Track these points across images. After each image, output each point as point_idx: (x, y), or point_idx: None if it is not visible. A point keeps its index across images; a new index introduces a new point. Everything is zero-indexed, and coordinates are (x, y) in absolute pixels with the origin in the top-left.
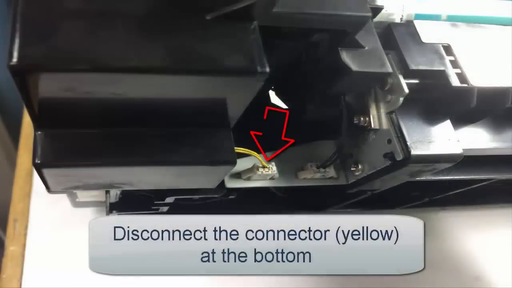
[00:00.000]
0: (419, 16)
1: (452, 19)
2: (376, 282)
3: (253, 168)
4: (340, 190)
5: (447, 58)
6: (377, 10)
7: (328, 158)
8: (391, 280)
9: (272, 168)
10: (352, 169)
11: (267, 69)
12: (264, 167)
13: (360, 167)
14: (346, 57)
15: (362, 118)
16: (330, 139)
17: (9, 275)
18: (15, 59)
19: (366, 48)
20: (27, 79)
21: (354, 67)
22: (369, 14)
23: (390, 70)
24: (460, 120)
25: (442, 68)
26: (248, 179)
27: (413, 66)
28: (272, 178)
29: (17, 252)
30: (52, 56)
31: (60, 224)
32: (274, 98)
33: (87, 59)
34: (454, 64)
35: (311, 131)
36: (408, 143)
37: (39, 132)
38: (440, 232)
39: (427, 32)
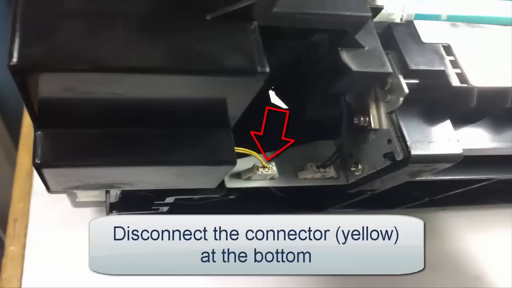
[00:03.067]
0: (419, 16)
1: (452, 19)
2: (376, 282)
3: (253, 168)
4: (340, 190)
5: (447, 58)
6: (377, 10)
7: (328, 158)
8: (391, 280)
9: (272, 168)
10: (352, 169)
11: (267, 69)
12: (264, 167)
13: (360, 167)
14: (346, 57)
15: (362, 118)
16: (330, 139)
17: (9, 275)
18: (15, 59)
19: (366, 48)
20: (27, 79)
21: (354, 67)
22: (369, 14)
23: (390, 70)
24: (460, 120)
25: (442, 68)
26: (248, 179)
27: (413, 66)
28: (272, 178)
29: (17, 252)
30: (52, 56)
31: (60, 224)
32: (274, 98)
33: (87, 59)
34: (454, 64)
35: (311, 131)
36: (408, 143)
37: (39, 132)
38: (440, 232)
39: (427, 32)
